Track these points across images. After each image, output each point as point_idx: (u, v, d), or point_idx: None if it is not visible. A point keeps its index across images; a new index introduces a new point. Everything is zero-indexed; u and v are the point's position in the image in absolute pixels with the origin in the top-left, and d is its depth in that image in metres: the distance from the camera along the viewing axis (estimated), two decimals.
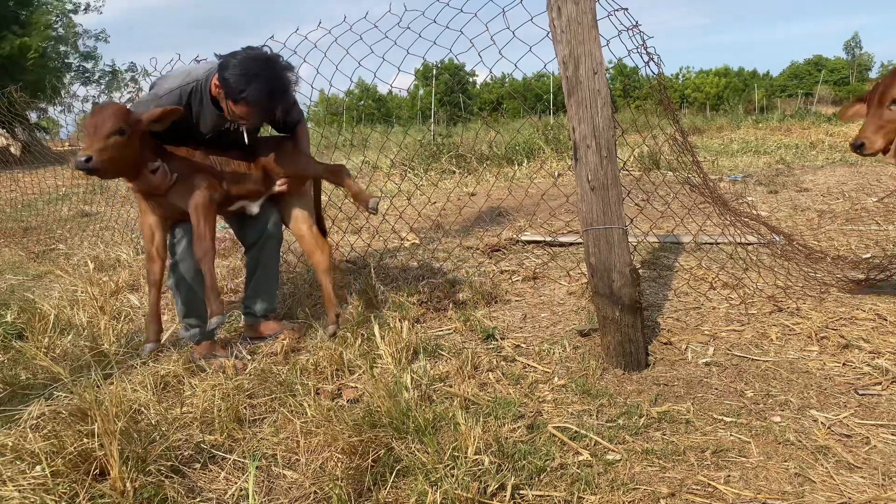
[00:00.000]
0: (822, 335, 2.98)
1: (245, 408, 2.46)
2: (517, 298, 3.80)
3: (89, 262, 4.70)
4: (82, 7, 25.14)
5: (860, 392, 2.48)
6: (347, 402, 2.52)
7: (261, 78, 2.57)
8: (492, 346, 3.08)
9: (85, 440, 1.98)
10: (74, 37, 25.67)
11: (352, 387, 2.68)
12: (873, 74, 50.18)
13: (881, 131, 2.77)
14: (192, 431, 2.27)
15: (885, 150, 2.81)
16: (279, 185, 3.06)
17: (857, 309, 3.29)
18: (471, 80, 38.13)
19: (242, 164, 2.97)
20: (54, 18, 24.18)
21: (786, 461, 2.05)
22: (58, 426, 2.11)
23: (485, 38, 3.22)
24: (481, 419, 2.21)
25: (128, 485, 1.88)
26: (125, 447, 1.96)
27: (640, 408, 2.38)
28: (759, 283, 3.66)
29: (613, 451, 2.12)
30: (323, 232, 3.34)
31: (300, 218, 3.16)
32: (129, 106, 2.65)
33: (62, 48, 25.54)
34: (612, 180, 2.60)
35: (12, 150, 13.32)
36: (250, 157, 3.00)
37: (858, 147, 2.79)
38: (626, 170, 4.69)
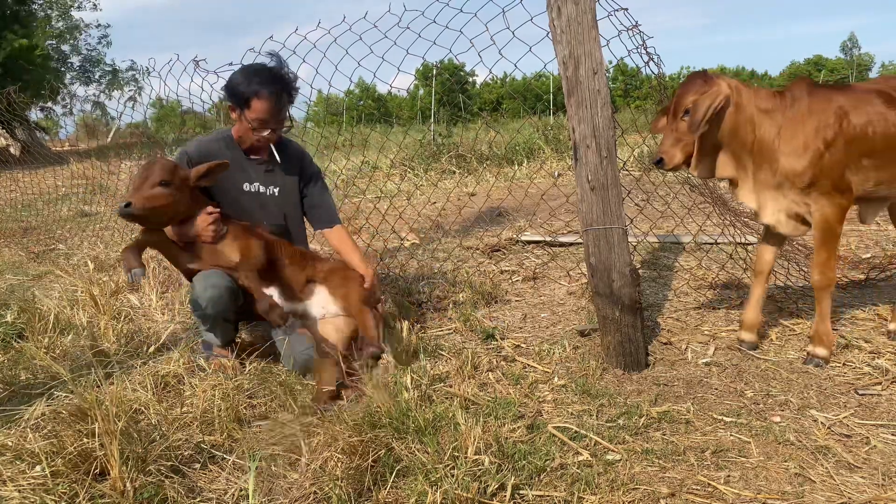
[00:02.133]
0: None
1: (245, 408, 2.46)
2: (517, 298, 3.80)
3: (89, 262, 4.69)
4: (76, 3, 25.17)
5: (860, 392, 2.48)
6: (347, 402, 2.52)
7: (262, 72, 2.82)
8: (492, 346, 3.08)
9: (85, 440, 1.98)
10: (76, 32, 25.69)
11: (352, 387, 2.68)
12: (873, 74, 50.13)
13: (679, 144, 2.57)
14: (192, 431, 2.27)
15: (686, 164, 2.62)
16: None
17: (857, 309, 3.29)
18: (471, 80, 38.10)
19: (289, 253, 2.87)
20: (55, 15, 24.19)
21: (786, 461, 2.05)
22: (58, 426, 2.10)
23: (485, 38, 3.22)
24: (481, 419, 2.21)
25: (128, 485, 1.88)
26: (125, 447, 1.96)
27: (640, 408, 2.38)
28: None
29: (613, 451, 2.12)
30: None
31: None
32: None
33: (63, 47, 25.55)
34: (612, 180, 2.60)
35: (12, 150, 13.33)
36: (300, 261, 2.89)
37: (658, 163, 2.59)
38: (626, 170, 4.69)
